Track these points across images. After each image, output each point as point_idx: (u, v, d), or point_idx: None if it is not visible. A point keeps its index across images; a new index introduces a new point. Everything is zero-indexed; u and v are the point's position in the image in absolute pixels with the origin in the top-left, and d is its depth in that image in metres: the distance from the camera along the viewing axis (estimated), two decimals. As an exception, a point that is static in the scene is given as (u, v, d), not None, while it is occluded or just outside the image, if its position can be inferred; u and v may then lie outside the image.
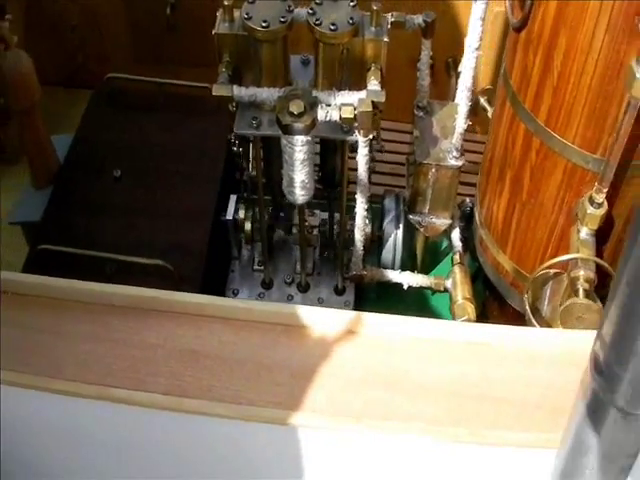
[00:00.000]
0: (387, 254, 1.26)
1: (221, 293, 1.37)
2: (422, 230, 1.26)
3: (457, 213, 1.30)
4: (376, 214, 1.31)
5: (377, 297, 1.39)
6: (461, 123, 1.12)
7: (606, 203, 0.91)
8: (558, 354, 0.80)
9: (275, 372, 0.82)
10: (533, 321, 0.96)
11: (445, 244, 1.41)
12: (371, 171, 1.19)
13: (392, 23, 1.08)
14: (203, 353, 0.82)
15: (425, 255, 1.32)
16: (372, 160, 1.20)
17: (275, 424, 0.81)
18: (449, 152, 1.17)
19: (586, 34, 0.83)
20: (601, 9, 0.80)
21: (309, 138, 0.96)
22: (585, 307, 0.88)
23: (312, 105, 0.97)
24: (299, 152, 0.97)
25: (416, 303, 1.38)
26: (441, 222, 1.26)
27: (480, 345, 0.81)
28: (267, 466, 0.91)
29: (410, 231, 1.28)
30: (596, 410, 0.56)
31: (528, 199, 1.05)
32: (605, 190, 0.90)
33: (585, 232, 0.92)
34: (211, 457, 0.90)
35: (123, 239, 1.27)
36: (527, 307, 0.96)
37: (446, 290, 1.23)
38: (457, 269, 1.22)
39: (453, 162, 1.16)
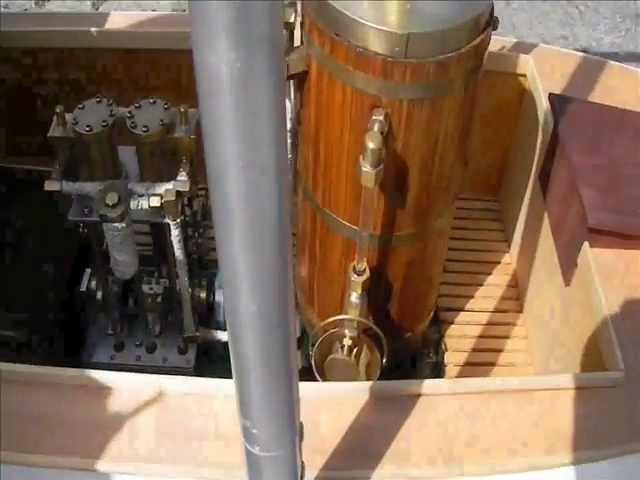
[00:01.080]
0: (219, 317, 1.43)
1: (79, 356, 1.51)
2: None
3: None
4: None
5: (222, 354, 1.55)
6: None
7: (368, 271, 1.11)
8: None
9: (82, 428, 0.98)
10: (316, 374, 1.14)
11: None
12: (195, 245, 1.38)
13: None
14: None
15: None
16: (197, 235, 1.39)
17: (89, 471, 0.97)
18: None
19: (337, 131, 1.04)
20: (343, 111, 1.01)
21: (124, 225, 1.13)
22: (343, 362, 1.07)
23: (127, 196, 1.15)
24: (116, 236, 1.15)
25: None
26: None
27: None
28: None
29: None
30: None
31: (321, 266, 1.25)
32: (364, 260, 1.10)
33: (354, 296, 1.11)
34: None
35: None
36: (312, 361, 1.15)
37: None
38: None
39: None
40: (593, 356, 1.14)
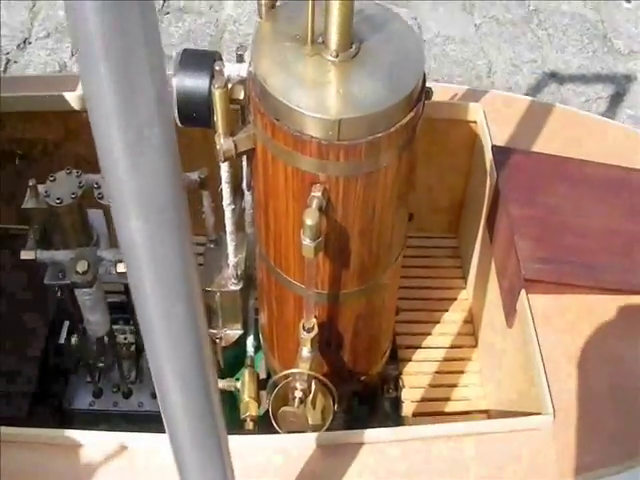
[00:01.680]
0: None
1: (60, 402, 1.60)
2: (218, 341, 1.53)
3: (251, 324, 1.58)
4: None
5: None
6: (232, 257, 1.41)
7: (316, 327, 1.20)
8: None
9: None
10: (274, 423, 1.23)
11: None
12: None
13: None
14: None
15: (225, 360, 1.58)
16: None
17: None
18: (230, 279, 1.45)
19: (283, 204, 1.12)
20: (287, 187, 1.10)
21: (94, 289, 1.22)
22: (293, 414, 1.16)
23: (96, 262, 1.24)
24: (87, 300, 1.24)
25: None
26: (234, 332, 1.53)
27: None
28: None
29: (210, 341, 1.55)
30: None
31: (278, 319, 1.34)
32: (312, 318, 1.19)
33: (305, 350, 1.20)
34: None
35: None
36: (270, 410, 1.24)
37: (238, 390, 1.49)
38: (246, 371, 1.49)
39: (233, 287, 1.45)
40: (527, 398, 1.23)
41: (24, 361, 1.51)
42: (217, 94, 1.06)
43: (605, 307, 1.26)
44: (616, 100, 3.01)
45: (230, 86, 1.14)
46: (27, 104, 1.63)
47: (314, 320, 1.19)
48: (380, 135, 1.02)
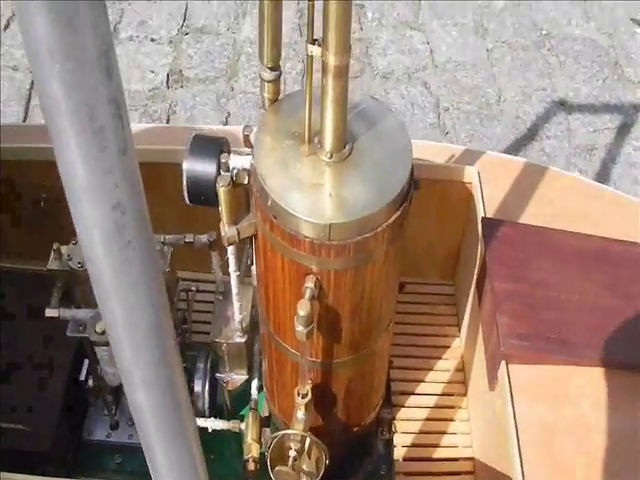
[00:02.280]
0: (197, 405, 1.65)
1: (79, 435, 1.74)
2: (225, 384, 1.65)
3: (257, 367, 1.70)
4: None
5: (203, 439, 1.77)
6: (238, 314, 1.52)
7: (310, 393, 1.31)
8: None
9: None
10: (271, 474, 1.35)
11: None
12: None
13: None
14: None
15: (231, 403, 1.71)
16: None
17: None
18: (236, 331, 1.57)
19: (280, 284, 1.24)
20: (284, 273, 1.21)
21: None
22: (286, 473, 1.27)
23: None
24: (105, 355, 1.37)
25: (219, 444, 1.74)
26: (239, 377, 1.65)
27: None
28: None
29: (216, 385, 1.68)
30: None
31: (278, 377, 1.45)
32: (306, 384, 1.30)
33: (299, 413, 1.32)
34: None
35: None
36: (268, 463, 1.36)
37: (242, 432, 1.62)
38: (250, 414, 1.61)
39: (238, 340, 1.57)
40: (504, 460, 1.34)
41: (47, 396, 1.64)
42: (221, 192, 1.17)
43: (582, 379, 1.36)
44: (623, 131, 3.07)
45: (235, 172, 1.25)
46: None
47: (308, 387, 1.30)
48: (368, 235, 1.13)
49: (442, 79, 3.20)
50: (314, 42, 1.08)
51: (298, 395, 1.30)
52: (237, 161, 1.26)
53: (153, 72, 3.12)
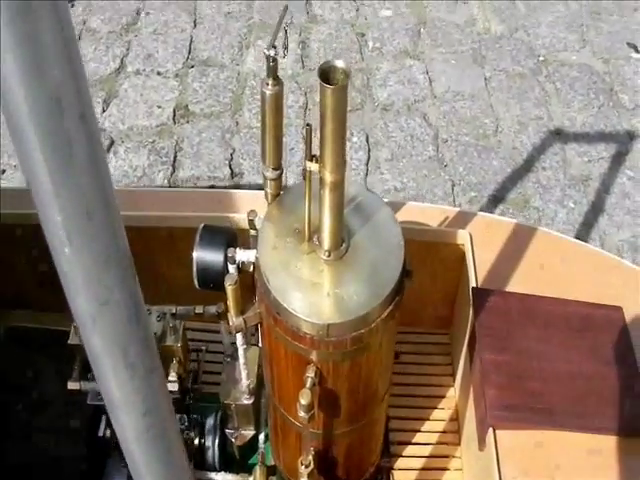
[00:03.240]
0: (208, 459, 1.77)
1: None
2: (234, 439, 1.77)
3: (263, 421, 1.81)
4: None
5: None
6: (245, 380, 1.63)
7: (313, 463, 1.42)
8: None
9: None
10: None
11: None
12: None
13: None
14: None
15: (240, 453, 1.82)
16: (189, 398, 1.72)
17: None
18: (244, 394, 1.68)
19: (284, 368, 1.35)
20: (287, 360, 1.32)
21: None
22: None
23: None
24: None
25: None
26: (247, 433, 1.77)
27: None
28: None
29: (225, 439, 1.79)
30: None
31: (283, 442, 1.57)
32: (309, 454, 1.41)
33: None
34: None
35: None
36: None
37: (249, 485, 1.74)
38: (257, 469, 1.73)
39: (245, 401, 1.68)
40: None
41: (68, 457, 1.76)
42: (229, 290, 1.28)
43: (564, 443, 1.46)
44: (618, 161, 3.15)
45: (241, 263, 1.36)
46: None
47: (311, 457, 1.41)
48: (363, 331, 1.23)
49: (441, 110, 3.28)
50: (312, 159, 1.18)
51: (301, 465, 1.41)
52: (243, 255, 1.36)
53: (160, 107, 3.22)
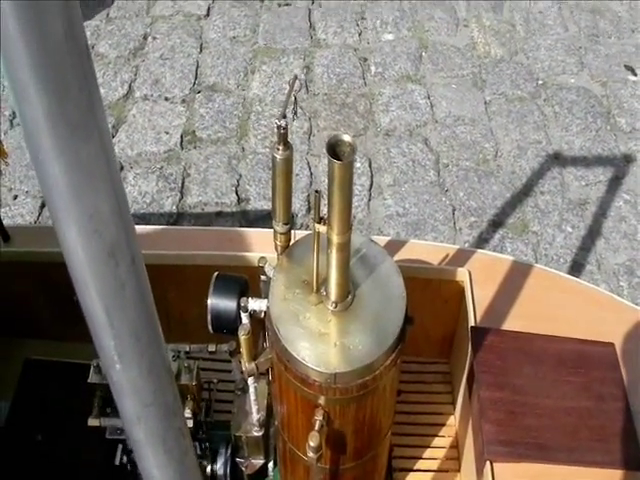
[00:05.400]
0: (220, 488, 1.86)
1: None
2: (244, 468, 1.86)
3: (272, 450, 1.90)
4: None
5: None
6: (255, 415, 1.72)
7: (318, 497, 1.51)
8: None
9: None
10: None
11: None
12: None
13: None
14: None
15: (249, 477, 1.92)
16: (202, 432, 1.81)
17: None
18: (254, 426, 1.77)
19: (293, 409, 1.43)
20: (296, 404, 1.41)
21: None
22: None
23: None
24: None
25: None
26: (257, 462, 1.86)
27: None
28: None
29: (236, 466, 1.88)
30: None
31: (291, 471, 1.65)
32: (317, 488, 1.50)
33: (310, 512, 1.52)
34: None
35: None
36: None
37: (259, 512, 1.83)
38: (266, 495, 1.82)
39: (255, 434, 1.77)
40: None
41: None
42: (243, 339, 1.37)
43: (557, 477, 1.55)
44: (615, 184, 3.23)
45: (254, 310, 1.45)
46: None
47: (318, 491, 1.50)
48: (368, 378, 1.32)
49: (442, 135, 3.37)
50: (320, 221, 1.27)
51: (307, 498, 1.50)
52: (255, 304, 1.45)
53: (168, 133, 3.31)
